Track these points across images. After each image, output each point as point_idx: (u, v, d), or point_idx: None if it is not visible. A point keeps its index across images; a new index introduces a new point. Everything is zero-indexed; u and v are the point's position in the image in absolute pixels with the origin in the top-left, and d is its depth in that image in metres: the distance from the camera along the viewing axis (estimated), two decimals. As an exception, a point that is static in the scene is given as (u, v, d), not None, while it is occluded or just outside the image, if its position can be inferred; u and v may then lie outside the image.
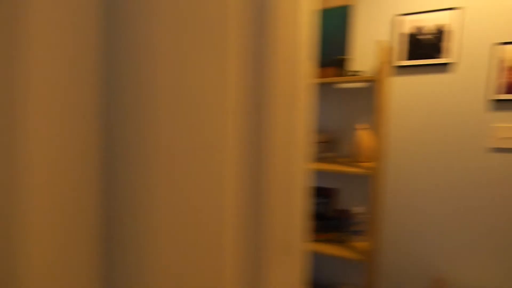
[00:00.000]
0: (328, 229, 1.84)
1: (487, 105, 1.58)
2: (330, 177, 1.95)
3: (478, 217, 1.65)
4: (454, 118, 1.65)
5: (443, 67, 1.64)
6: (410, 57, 1.69)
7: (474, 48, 1.58)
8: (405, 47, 1.69)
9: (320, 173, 1.99)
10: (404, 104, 1.74)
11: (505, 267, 1.64)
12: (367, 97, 1.81)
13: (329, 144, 1.83)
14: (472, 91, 1.60)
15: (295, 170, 0.74)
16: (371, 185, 1.60)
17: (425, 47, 1.66)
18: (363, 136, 1.71)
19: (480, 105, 1.60)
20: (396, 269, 1.86)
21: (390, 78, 1.75)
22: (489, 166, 1.60)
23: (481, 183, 1.63)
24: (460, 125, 1.64)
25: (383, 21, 1.73)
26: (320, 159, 1.85)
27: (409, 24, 1.67)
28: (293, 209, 0.74)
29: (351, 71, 1.65)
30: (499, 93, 1.56)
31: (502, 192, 1.60)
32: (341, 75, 1.69)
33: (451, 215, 1.70)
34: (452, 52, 1.61)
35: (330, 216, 1.90)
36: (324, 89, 1.90)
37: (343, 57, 1.70)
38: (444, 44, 1.62)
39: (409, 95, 1.72)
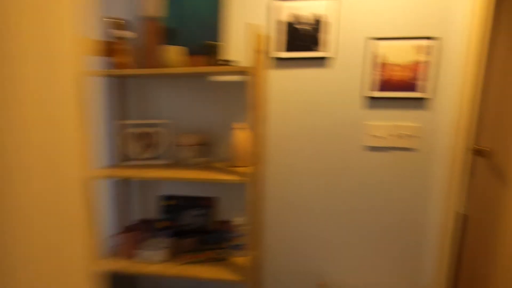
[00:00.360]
0: (207, 245, 1.57)
1: (363, 103, 1.51)
2: (209, 185, 1.68)
3: (360, 218, 1.59)
4: (333, 116, 1.54)
5: (321, 61, 1.52)
6: (289, 48, 1.52)
7: (350, 42, 1.48)
8: (283, 37, 1.52)
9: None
10: (283, 100, 1.57)
11: (387, 266, 1.62)
12: (245, 92, 1.59)
13: (204, 147, 1.56)
14: (349, 87, 1.52)
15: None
16: (250, 192, 1.38)
17: (303, 38, 1.51)
18: (241, 137, 1.48)
19: (356, 103, 1.52)
20: (281, 279, 1.71)
21: (267, 71, 1.56)
22: (366, 165, 1.55)
23: (359, 183, 1.57)
24: (339, 123, 1.54)
25: (260, 5, 1.52)
26: (192, 166, 1.56)
27: (287, 11, 1.50)
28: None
29: (224, 61, 1.40)
30: (374, 90, 1.50)
31: (379, 192, 1.56)
32: (212, 65, 1.42)
33: (333, 217, 1.61)
34: (329, 46, 1.49)
35: (210, 229, 1.64)
36: (195, 82, 1.61)
37: (214, 43, 1.43)
38: (322, 36, 1.49)
39: (288, 91, 1.56)
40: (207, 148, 1.60)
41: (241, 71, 1.31)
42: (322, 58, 1.51)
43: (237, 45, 1.55)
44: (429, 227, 1.55)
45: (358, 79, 1.50)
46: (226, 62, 1.38)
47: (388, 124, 1.51)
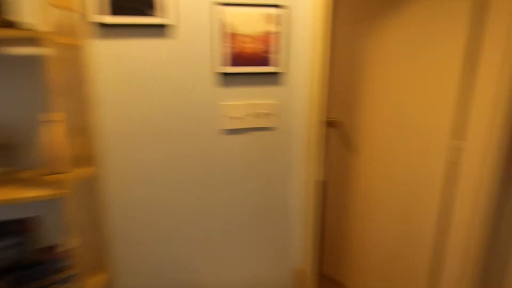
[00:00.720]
0: (27, 285, 1.14)
1: (215, 80, 1.31)
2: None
3: (223, 209, 1.44)
4: (181, 97, 1.30)
5: (161, 29, 1.22)
6: (115, 12, 1.17)
7: (193, 7, 1.24)
8: (105, -5, 1.14)
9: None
10: (115, 79, 1.22)
11: (259, 251, 1.53)
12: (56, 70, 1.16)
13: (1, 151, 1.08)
14: (197, 62, 1.29)
15: None
16: (73, 206, 1.02)
17: (133, 0, 1.17)
18: (56, 133, 1.07)
19: (208, 80, 1.31)
20: (143, 298, 1.44)
21: (85, 41, 1.17)
22: (225, 152, 1.38)
23: (219, 172, 1.40)
24: (189, 105, 1.31)
25: None
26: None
27: (105, -40, 1.12)
28: None
29: (7, 22, 0.94)
30: (226, 65, 1.31)
31: (241, 178, 1.43)
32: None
33: (194, 214, 1.41)
34: (168, 10, 1.21)
35: (29, 262, 1.20)
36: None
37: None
38: (158, -2, 1.19)
39: (121, 68, 1.22)
40: (6, 153, 1.12)
41: (35, 38, 0.89)
42: (161, 26, 1.22)
43: (33, 2, 1.09)
44: (294, 201, 1.53)
45: (207, 53, 1.28)
46: (10, 24, 0.93)
47: (245, 103, 1.36)
